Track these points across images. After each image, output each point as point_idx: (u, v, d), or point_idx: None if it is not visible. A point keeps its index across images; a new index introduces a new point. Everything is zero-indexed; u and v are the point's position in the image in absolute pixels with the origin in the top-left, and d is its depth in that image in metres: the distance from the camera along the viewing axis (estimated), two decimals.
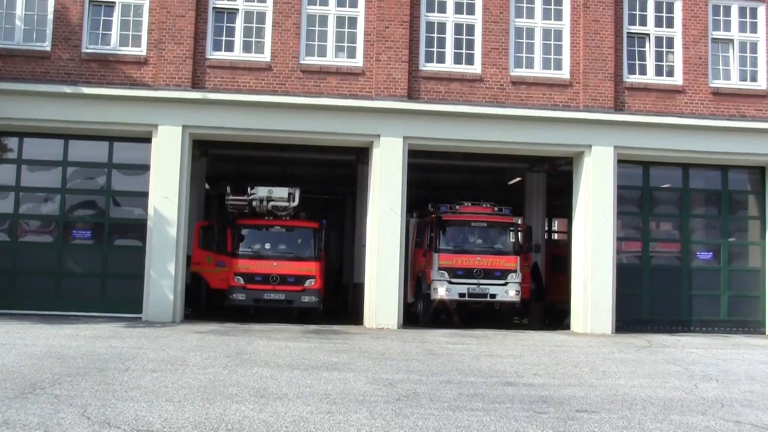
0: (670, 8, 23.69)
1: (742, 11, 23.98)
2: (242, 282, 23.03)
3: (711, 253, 24.57)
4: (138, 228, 22.24)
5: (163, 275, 21.34)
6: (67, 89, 21.40)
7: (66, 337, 16.70)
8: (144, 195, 21.97)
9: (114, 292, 22.14)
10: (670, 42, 23.70)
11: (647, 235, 24.48)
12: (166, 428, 8.91)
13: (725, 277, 24.39)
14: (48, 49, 21.72)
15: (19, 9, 21.86)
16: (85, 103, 21.52)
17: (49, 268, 22.13)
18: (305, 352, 15.81)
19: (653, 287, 24.08)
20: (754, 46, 23.96)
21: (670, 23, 23.70)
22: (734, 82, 23.76)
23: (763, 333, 24.04)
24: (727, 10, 23.92)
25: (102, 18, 22.12)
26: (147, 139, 21.94)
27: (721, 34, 23.88)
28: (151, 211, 21.60)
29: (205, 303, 26.04)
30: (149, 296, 21.42)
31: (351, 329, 21.43)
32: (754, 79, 23.88)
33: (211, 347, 16.09)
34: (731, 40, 23.92)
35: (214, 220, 28.30)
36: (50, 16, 21.78)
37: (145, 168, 22.07)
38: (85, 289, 22.12)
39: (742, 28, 23.97)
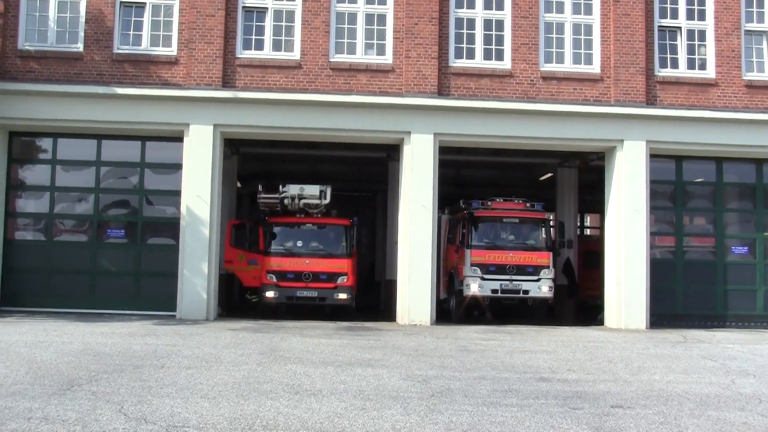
0: (702, 1, 23.46)
1: None
2: (275, 280, 23.11)
3: (746, 247, 24.33)
4: (171, 227, 22.42)
5: (197, 273, 21.48)
6: (100, 90, 21.58)
7: (102, 335, 16.86)
8: (176, 194, 22.13)
9: (148, 291, 22.34)
10: (702, 35, 23.48)
11: (681, 230, 24.29)
12: (201, 424, 8.98)
13: (761, 272, 24.14)
14: (81, 50, 21.92)
15: (52, 11, 22.07)
16: (118, 104, 21.70)
17: (83, 267, 22.37)
18: (338, 349, 15.85)
19: (687, 282, 23.89)
20: None
21: (701, 16, 23.47)
22: None
23: None
24: (761, 2, 23.64)
25: (133, 19, 22.27)
26: (179, 138, 22.09)
27: (754, 26, 23.61)
28: (183, 209, 21.75)
29: (238, 301, 26.13)
30: (183, 294, 21.57)
31: (384, 326, 21.44)
32: None
33: (244, 344, 16.18)
34: (765, 32, 23.65)
35: (246, 218, 28.42)
36: (82, 18, 21.98)
37: (177, 167, 22.24)
38: (119, 287, 22.34)
39: None
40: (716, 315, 23.82)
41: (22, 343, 15.36)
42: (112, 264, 22.61)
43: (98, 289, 22.30)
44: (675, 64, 23.35)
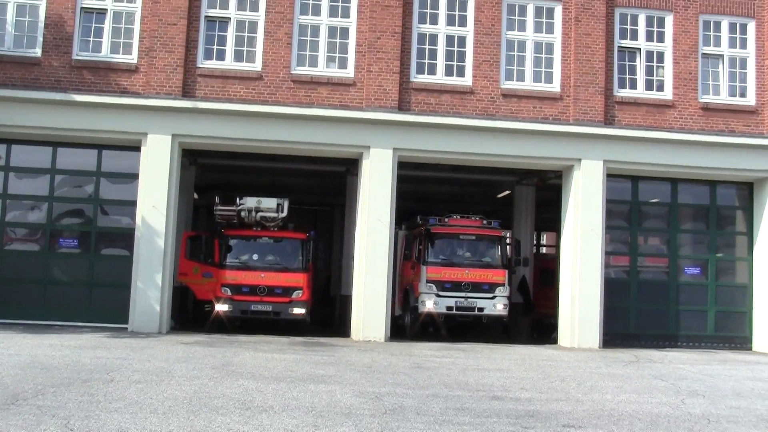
0: (661, 23, 23.76)
1: (732, 27, 24.05)
2: (229, 293, 22.89)
3: (699, 268, 24.62)
4: (125, 237, 22.14)
5: (150, 285, 21.23)
6: (57, 96, 21.31)
7: (50, 347, 16.58)
8: (132, 204, 21.86)
9: (100, 302, 22.02)
10: (660, 56, 23.76)
11: (635, 250, 24.51)
12: None
13: (712, 293, 24.44)
14: (38, 55, 21.64)
15: (10, 15, 21.78)
16: (75, 111, 21.43)
17: (34, 277, 21.98)
18: (292, 365, 15.74)
19: (641, 302, 24.11)
20: (743, 62, 24.04)
21: (660, 38, 23.76)
22: (724, 98, 23.82)
23: (750, 349, 24.07)
24: (718, 26, 23.99)
25: (93, 25, 22.04)
26: (136, 148, 21.86)
27: (711, 49, 23.95)
28: (139, 220, 21.50)
29: (191, 314, 25.88)
30: (135, 306, 21.30)
31: (338, 341, 21.35)
32: (743, 94, 23.95)
33: (196, 358, 16.00)
34: (721, 56, 23.99)
35: (203, 230, 28.13)
36: (41, 23, 21.70)
37: (133, 177, 21.99)
38: (71, 298, 21.99)
39: (732, 43, 24.05)
40: (668, 335, 24.05)
41: None
42: (64, 274, 22.27)
43: (49, 300, 21.91)
44: (634, 85, 23.60)
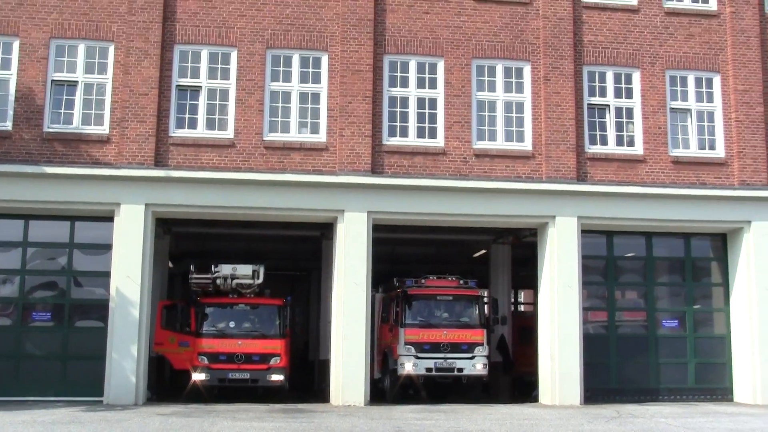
0: (629, 79, 24.07)
1: (698, 81, 24.40)
2: (206, 362, 22.62)
3: (677, 321, 24.64)
4: (100, 308, 21.88)
5: (126, 357, 20.96)
6: (29, 169, 21.22)
7: (22, 424, 16.26)
8: (106, 275, 21.64)
9: (74, 375, 21.67)
10: (629, 112, 24.04)
11: (613, 304, 24.52)
12: None
13: (691, 345, 24.43)
14: (9, 128, 21.58)
15: None
16: (47, 183, 21.34)
17: (7, 352, 21.57)
18: None
19: (620, 356, 24.05)
20: (711, 115, 24.34)
21: (629, 94, 24.06)
22: (693, 151, 24.06)
23: (731, 400, 24.00)
24: (684, 81, 24.34)
25: (64, 97, 22.05)
26: (109, 218, 21.74)
27: (679, 103, 24.26)
28: (113, 291, 21.30)
29: (168, 384, 25.56)
30: (111, 378, 20.99)
31: (317, 407, 21.12)
32: (712, 147, 24.22)
33: (174, 430, 15.78)
34: (689, 110, 24.30)
35: (178, 298, 27.99)
36: (11, 97, 21.67)
37: (107, 247, 21.82)
38: (44, 372, 21.60)
39: (699, 97, 24.37)
40: (650, 388, 23.97)
41: None
42: (37, 348, 21.91)
43: (22, 375, 21.50)
44: (604, 141, 23.81)
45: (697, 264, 25.17)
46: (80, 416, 17.95)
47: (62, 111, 21.98)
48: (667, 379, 24.16)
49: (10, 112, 21.68)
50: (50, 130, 21.76)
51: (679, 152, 23.97)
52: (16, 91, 21.72)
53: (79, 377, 21.63)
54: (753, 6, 24.70)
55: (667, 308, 24.83)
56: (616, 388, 23.81)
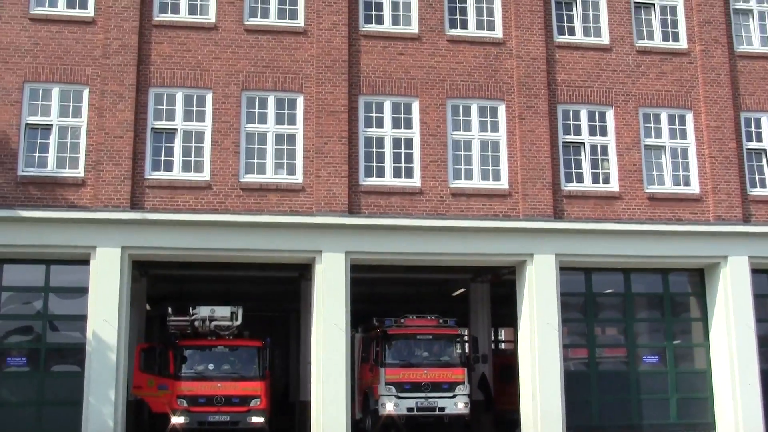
0: (603, 117, 24.28)
1: (671, 118, 24.65)
2: (186, 404, 22.40)
3: (657, 357, 24.63)
4: (76, 352, 21.58)
5: (103, 401, 20.67)
6: (3, 213, 21.01)
7: None
8: (82, 318, 21.40)
9: (51, 421, 21.28)
10: (604, 149, 24.21)
11: (593, 341, 24.48)
12: None
13: (672, 380, 24.41)
14: None
15: None
16: (22, 227, 21.13)
17: None
18: None
19: (602, 393, 23.98)
20: (685, 152, 24.55)
21: (603, 132, 24.24)
22: (669, 187, 24.22)
23: None
24: (657, 118, 24.56)
25: (38, 141, 21.92)
26: (85, 261, 21.55)
27: (653, 140, 24.45)
28: (90, 334, 21.06)
29: (147, 428, 25.25)
30: (88, 424, 20.65)
31: None
32: (687, 183, 24.38)
33: None
34: (663, 147, 24.49)
35: (156, 341, 27.76)
36: None
37: (83, 291, 21.59)
38: (19, 419, 21.13)
39: (673, 134, 24.60)
40: (632, 425, 23.89)
41: None
42: (12, 394, 21.50)
43: None
44: (580, 179, 23.94)
45: (675, 299, 25.22)
46: None
47: (37, 154, 21.85)
48: (649, 414, 24.08)
49: None
50: (25, 173, 21.62)
51: (654, 188, 24.14)
52: None
53: (55, 423, 21.25)
54: (722, 44, 25.03)
55: (647, 344, 24.82)
56: (598, 426, 23.71)
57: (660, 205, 23.99)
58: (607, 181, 24.06)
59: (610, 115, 24.31)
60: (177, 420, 22.34)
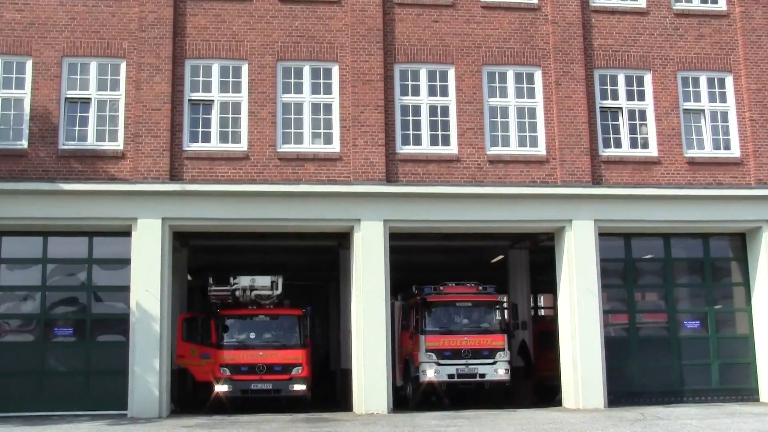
0: (641, 82, 24.05)
1: (710, 82, 24.36)
2: (228, 373, 22.72)
3: (698, 322, 24.46)
4: (120, 323, 21.94)
5: (148, 370, 21.02)
6: (45, 186, 21.37)
7: None
8: (125, 289, 21.72)
9: (98, 390, 21.73)
10: (642, 114, 24.00)
11: (633, 307, 24.37)
12: None
13: (714, 345, 24.25)
14: (25, 147, 21.75)
15: None
16: (64, 200, 21.47)
17: (30, 368, 21.68)
18: None
19: (643, 359, 23.88)
20: (725, 115, 24.27)
21: (641, 96, 24.02)
22: (708, 151, 23.98)
23: (757, 400, 23.80)
24: (696, 82, 24.29)
25: (78, 114, 22.21)
26: (127, 233, 21.84)
27: (692, 104, 24.19)
28: (133, 305, 21.38)
29: (191, 396, 25.61)
30: (134, 392, 21.04)
31: (340, 416, 21.10)
32: (727, 147, 24.13)
33: None
34: (702, 110, 24.23)
35: (197, 311, 28.06)
36: (27, 116, 21.84)
37: (125, 262, 21.90)
38: (67, 387, 21.67)
39: (712, 98, 24.31)
40: (673, 391, 23.78)
41: None
42: (60, 363, 21.99)
43: (46, 391, 21.58)
44: (618, 144, 23.77)
45: (716, 264, 25.02)
46: (105, 430, 18.01)
47: (77, 128, 22.15)
48: (690, 380, 23.97)
49: (26, 131, 21.85)
50: (65, 147, 21.91)
51: (693, 153, 23.90)
52: (30, 109, 21.89)
53: (102, 391, 21.69)
54: (763, 5, 24.66)
55: (688, 309, 24.66)
56: (639, 391, 23.63)
57: (700, 169, 23.76)
58: (645, 146, 23.88)
59: (648, 79, 24.07)
60: (220, 388, 22.69)
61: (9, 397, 21.37)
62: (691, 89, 24.32)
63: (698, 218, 23.56)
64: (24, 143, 21.81)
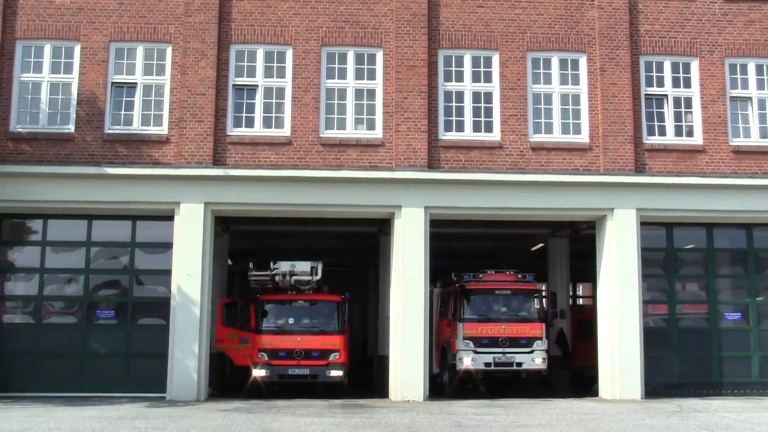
0: (687, 68, 23.74)
1: (759, 69, 23.95)
2: (266, 358, 22.90)
3: (740, 313, 24.20)
4: (162, 306, 22.24)
5: (187, 354, 21.30)
6: (91, 170, 21.66)
7: (89, 419, 16.63)
8: (167, 273, 21.99)
9: (138, 372, 22.09)
10: (688, 102, 23.69)
11: (673, 297, 24.17)
12: None
13: (755, 338, 23.97)
14: (72, 131, 22.04)
15: (44, 94, 22.24)
16: (108, 184, 21.76)
17: (73, 350, 22.09)
18: (330, 428, 15.65)
19: (682, 350, 23.69)
20: None
21: (687, 83, 23.71)
22: (755, 140, 23.63)
23: None
24: (744, 68, 23.91)
25: (124, 99, 22.45)
26: (170, 217, 22.09)
27: (738, 92, 23.84)
28: (174, 289, 21.64)
29: (229, 380, 25.87)
30: (173, 375, 21.35)
31: (377, 402, 21.20)
32: None
33: (235, 425, 15.97)
34: (749, 98, 23.86)
35: (237, 296, 28.28)
36: (74, 100, 22.13)
37: (167, 246, 22.17)
38: (108, 369, 22.06)
39: (760, 85, 23.91)
40: (712, 383, 23.57)
41: (6, 430, 15.12)
42: (101, 345, 22.38)
43: (87, 372, 21.99)
44: (663, 132, 23.50)
45: (759, 255, 24.64)
46: (145, 412, 18.28)
47: (122, 113, 22.38)
48: (730, 373, 23.73)
49: (73, 115, 22.14)
50: (111, 131, 22.16)
51: (739, 141, 23.57)
52: (78, 94, 22.17)
53: (142, 374, 22.03)
54: None
55: (729, 300, 24.41)
56: (677, 383, 23.45)
57: (745, 158, 23.44)
58: (690, 134, 23.57)
59: (695, 66, 23.75)
60: (258, 373, 22.87)
61: (52, 378, 21.84)
62: (738, 76, 23.94)
63: (742, 208, 23.25)
64: (71, 127, 22.10)
